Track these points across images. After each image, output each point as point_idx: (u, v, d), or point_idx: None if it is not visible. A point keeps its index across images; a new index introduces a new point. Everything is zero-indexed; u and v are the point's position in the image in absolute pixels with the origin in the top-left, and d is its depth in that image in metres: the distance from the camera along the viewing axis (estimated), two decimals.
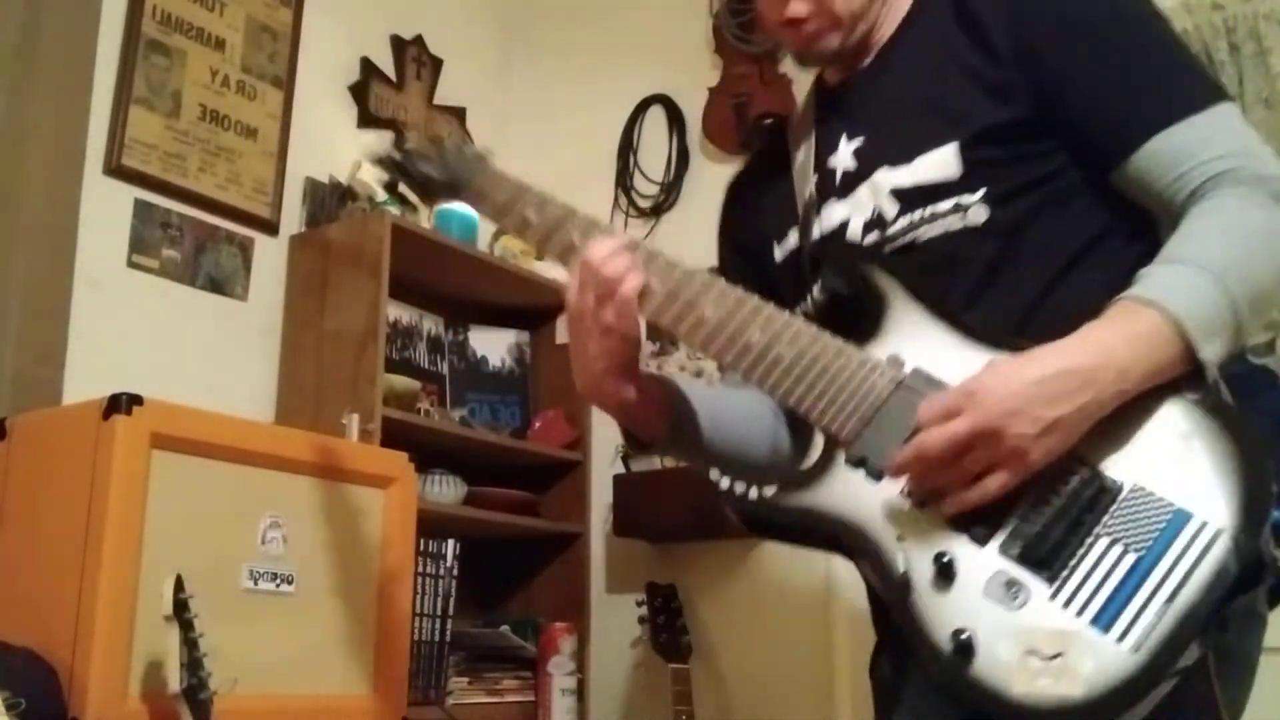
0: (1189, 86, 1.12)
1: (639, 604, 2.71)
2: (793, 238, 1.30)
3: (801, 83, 2.93)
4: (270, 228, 2.73)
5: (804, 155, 1.31)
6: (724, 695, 2.76)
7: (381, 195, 2.89)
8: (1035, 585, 0.99)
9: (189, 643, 1.62)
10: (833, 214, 1.24)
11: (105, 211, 2.42)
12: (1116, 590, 0.97)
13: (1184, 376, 1.02)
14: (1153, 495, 1.00)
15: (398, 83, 3.16)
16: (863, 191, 1.21)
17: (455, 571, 2.63)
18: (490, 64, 3.52)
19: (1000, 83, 1.14)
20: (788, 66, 2.96)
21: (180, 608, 1.63)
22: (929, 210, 1.16)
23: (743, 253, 1.39)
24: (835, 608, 2.56)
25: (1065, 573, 0.99)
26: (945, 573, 1.01)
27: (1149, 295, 1.02)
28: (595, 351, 1.15)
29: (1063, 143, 1.14)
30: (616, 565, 3.00)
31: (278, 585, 1.93)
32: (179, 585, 1.64)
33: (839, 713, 2.57)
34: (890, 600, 1.03)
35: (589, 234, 1.18)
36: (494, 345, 3.13)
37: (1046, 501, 1.01)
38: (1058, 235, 1.13)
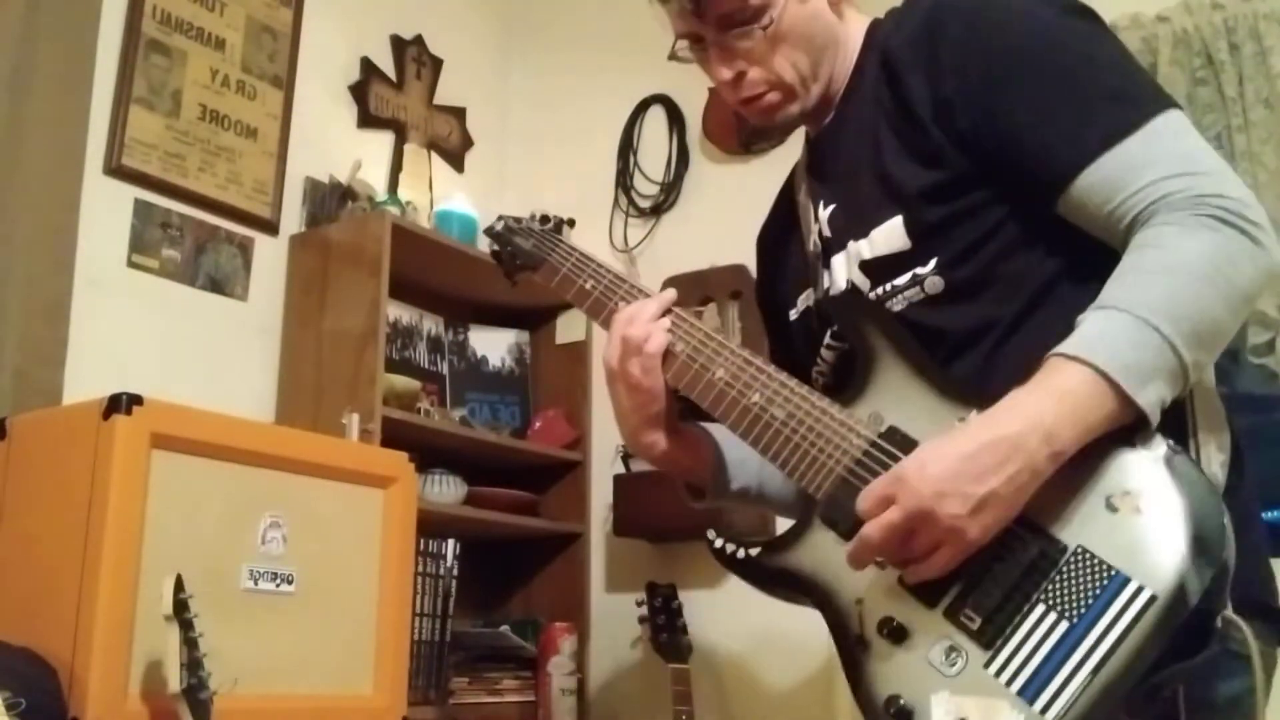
0: (1118, 107, 1.06)
1: (639, 604, 2.71)
2: (806, 295, 1.31)
3: None
4: (270, 228, 2.73)
5: (805, 211, 1.32)
6: (724, 695, 2.76)
7: (382, 195, 2.89)
8: (973, 652, 0.99)
9: (189, 643, 1.61)
10: (828, 282, 1.26)
11: (105, 211, 2.42)
12: (1046, 659, 0.96)
13: (1133, 425, 0.98)
14: (1094, 557, 0.97)
15: (398, 83, 3.17)
16: (838, 262, 1.23)
17: (455, 571, 2.63)
18: (490, 64, 3.52)
19: (926, 146, 1.13)
20: None
21: (180, 608, 1.62)
22: (890, 285, 1.17)
23: (770, 310, 1.43)
24: None
25: (1000, 640, 0.98)
26: (895, 636, 1.02)
27: (1074, 350, 0.98)
28: (628, 407, 1.23)
29: (999, 190, 1.12)
30: (616, 565, 3.00)
31: (278, 585, 1.93)
32: (179, 585, 1.64)
33: (839, 712, 2.57)
34: (846, 662, 1.05)
35: (633, 298, 1.26)
36: (494, 345, 3.13)
37: (990, 567, 1.00)
38: (1014, 287, 1.11)
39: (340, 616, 2.03)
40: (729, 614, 2.76)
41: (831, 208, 1.25)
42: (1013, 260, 1.12)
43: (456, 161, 3.30)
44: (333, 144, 2.93)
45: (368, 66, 3.09)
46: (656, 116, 3.22)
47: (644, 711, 2.85)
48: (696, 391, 1.19)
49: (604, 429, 3.00)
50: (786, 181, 1.42)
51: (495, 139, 3.45)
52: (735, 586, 3.04)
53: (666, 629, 2.62)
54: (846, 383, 1.15)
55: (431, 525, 2.56)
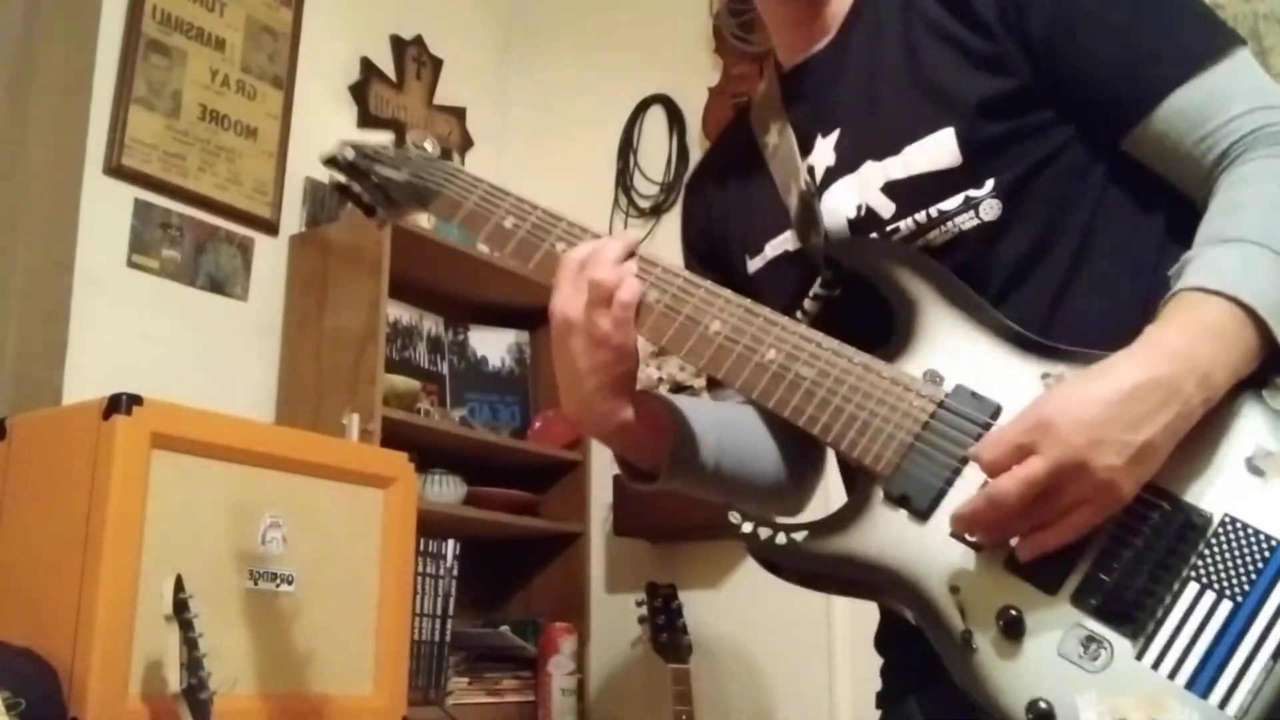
0: (1202, 34, 0.99)
1: (639, 604, 2.70)
2: (784, 239, 1.14)
3: None
4: (270, 228, 2.73)
5: (781, 147, 1.16)
6: (724, 695, 2.76)
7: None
8: (1118, 642, 0.85)
9: (189, 643, 1.61)
10: (825, 210, 1.10)
11: (105, 211, 2.42)
12: (1213, 646, 0.84)
13: (1258, 372, 0.88)
14: (1249, 527, 0.86)
15: (398, 83, 3.17)
16: (843, 187, 1.08)
17: (455, 571, 2.63)
18: (490, 64, 3.52)
19: (991, 54, 1.01)
20: None
21: (180, 608, 1.62)
22: (935, 209, 1.02)
23: (712, 263, 1.22)
24: (836, 607, 2.56)
25: (1152, 626, 0.85)
26: (1013, 629, 0.87)
27: (1212, 284, 0.88)
28: (586, 367, 1.01)
29: (1067, 110, 1.01)
30: (616, 565, 3.00)
31: (278, 585, 1.93)
32: (179, 585, 1.64)
33: (839, 712, 2.58)
34: (949, 660, 0.88)
35: (576, 241, 1.06)
36: (494, 345, 3.13)
37: (1124, 540, 0.87)
38: (1073, 218, 1.01)
39: (340, 616, 2.03)
40: (729, 614, 2.76)
41: (836, 133, 1.10)
42: (1072, 189, 1.01)
43: (457, 161, 3.31)
44: (333, 144, 2.92)
45: (368, 66, 3.09)
46: (656, 116, 3.22)
47: (644, 711, 2.85)
48: (687, 348, 1.01)
49: None
50: (735, 126, 1.28)
51: (495, 139, 3.45)
52: (735, 586, 3.04)
53: (666, 629, 2.62)
54: (862, 336, 1.00)
55: (431, 525, 2.56)
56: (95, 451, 1.76)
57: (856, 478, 0.97)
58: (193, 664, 1.61)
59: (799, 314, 1.08)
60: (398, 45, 3.19)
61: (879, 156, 1.05)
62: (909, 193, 1.03)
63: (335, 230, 2.73)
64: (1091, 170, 1.02)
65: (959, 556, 0.90)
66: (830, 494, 1.18)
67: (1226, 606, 0.84)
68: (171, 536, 1.78)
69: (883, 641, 1.16)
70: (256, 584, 1.90)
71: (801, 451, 1.20)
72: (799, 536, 0.96)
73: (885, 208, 1.05)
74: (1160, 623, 0.85)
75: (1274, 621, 0.83)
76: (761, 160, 1.18)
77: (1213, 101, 0.96)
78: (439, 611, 2.58)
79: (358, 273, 2.61)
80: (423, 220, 2.93)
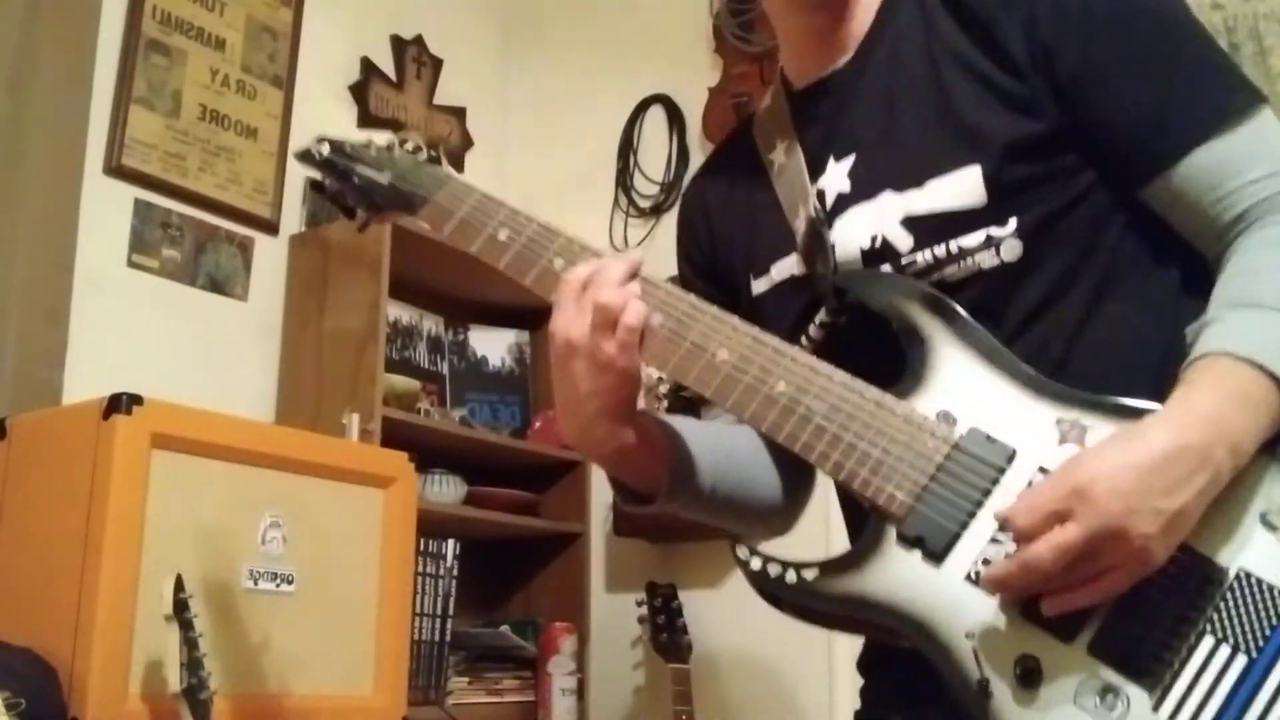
0: (1228, 91, 0.99)
1: (639, 604, 2.71)
2: (789, 264, 1.12)
3: None
4: (270, 228, 2.73)
5: (789, 167, 1.14)
6: (724, 695, 2.76)
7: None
8: (1135, 694, 0.85)
9: (189, 643, 1.61)
10: (840, 234, 1.08)
11: (105, 211, 2.42)
12: (1228, 700, 0.84)
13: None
14: (1263, 582, 0.86)
15: (398, 83, 3.17)
16: (858, 215, 1.06)
17: (455, 571, 2.63)
18: (490, 64, 3.52)
19: (1020, 95, 1.00)
20: None
21: (180, 608, 1.63)
22: (955, 245, 1.00)
23: (711, 278, 1.20)
24: None
25: (1168, 678, 0.85)
26: (1030, 679, 0.86)
27: (1239, 349, 0.89)
28: (588, 391, 0.98)
29: (1090, 157, 1.01)
30: (616, 565, 3.00)
31: (278, 585, 1.93)
32: (179, 585, 1.64)
33: (839, 712, 2.57)
34: (965, 706, 0.88)
35: (575, 258, 1.03)
36: (494, 345, 3.13)
37: (1142, 592, 0.86)
38: (1092, 262, 1.00)
39: (340, 616, 2.03)
40: (729, 614, 2.76)
41: (850, 159, 1.08)
42: (1092, 235, 1.00)
43: (456, 162, 3.30)
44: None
45: (368, 66, 3.09)
46: (656, 116, 3.22)
47: (644, 711, 2.85)
48: (693, 376, 0.99)
49: None
50: (738, 138, 1.25)
51: (495, 139, 3.45)
52: (735, 586, 3.04)
53: (666, 629, 2.62)
54: (867, 368, 0.98)
55: (431, 525, 2.56)
56: (95, 451, 1.76)
57: (868, 517, 0.95)
58: (193, 664, 1.61)
59: (803, 340, 1.07)
60: (398, 45, 3.19)
61: (899, 187, 1.03)
62: (930, 228, 1.02)
63: (335, 230, 2.73)
64: (1112, 218, 1.01)
65: (974, 601, 0.89)
66: (831, 524, 1.17)
67: (1241, 661, 0.85)
68: (171, 536, 1.78)
69: (866, 664, 1.16)
70: (256, 584, 1.90)
71: (796, 475, 1.18)
72: (809, 575, 0.94)
73: (902, 240, 1.03)
74: (1177, 675, 0.85)
75: None
76: (766, 177, 1.15)
77: (1233, 162, 0.96)
78: (439, 611, 2.58)
79: (358, 273, 2.61)
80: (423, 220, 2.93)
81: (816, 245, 1.08)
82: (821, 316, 1.07)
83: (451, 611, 2.60)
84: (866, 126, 1.08)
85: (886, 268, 1.03)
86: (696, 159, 3.12)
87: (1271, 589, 0.86)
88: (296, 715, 1.91)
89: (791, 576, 0.94)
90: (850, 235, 1.06)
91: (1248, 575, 0.86)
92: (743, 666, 2.77)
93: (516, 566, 3.03)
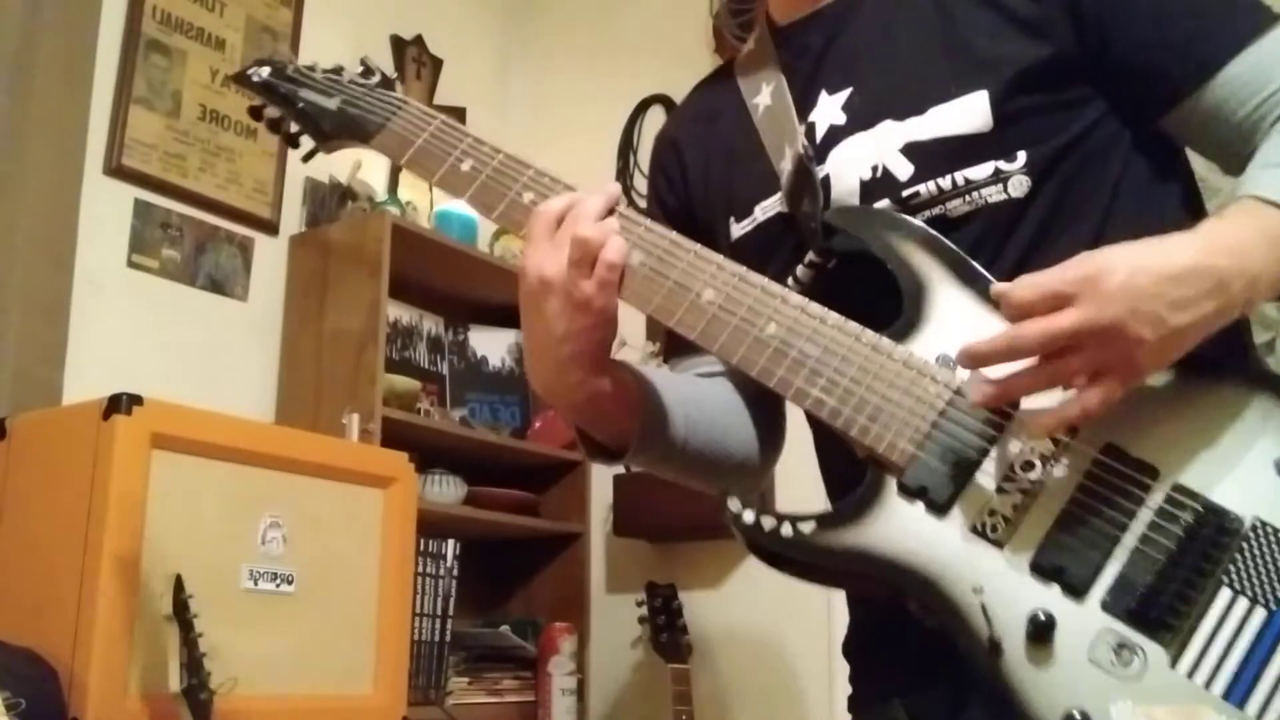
0: (1248, 9, 0.96)
1: (639, 604, 2.71)
2: (773, 203, 1.07)
3: None
4: (270, 228, 2.73)
5: (771, 103, 1.09)
6: (724, 695, 2.76)
7: (382, 195, 2.89)
8: (1151, 649, 0.82)
9: (189, 643, 1.62)
10: (821, 176, 1.03)
11: (105, 211, 2.42)
12: (1248, 655, 0.81)
13: None
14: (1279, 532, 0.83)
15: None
16: (855, 145, 1.01)
17: (455, 571, 2.63)
18: (490, 64, 3.52)
19: (1034, 18, 0.96)
20: None
21: (180, 608, 1.63)
22: (961, 176, 0.96)
23: (684, 223, 1.10)
24: (836, 606, 2.56)
25: (1186, 633, 0.82)
26: (1042, 635, 0.82)
27: (1274, 195, 0.86)
28: (563, 332, 0.92)
29: (1105, 85, 0.97)
30: (616, 565, 3.00)
31: (278, 585, 1.93)
32: (179, 585, 1.64)
33: (839, 712, 2.57)
34: (975, 667, 0.84)
35: (546, 191, 0.97)
36: (494, 345, 3.13)
37: (1155, 543, 0.84)
38: (1096, 195, 0.97)
39: (340, 616, 2.03)
40: (729, 614, 2.76)
41: (847, 91, 1.03)
42: (1098, 168, 0.98)
43: None
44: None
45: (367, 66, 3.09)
46: (656, 116, 3.22)
47: (644, 711, 2.85)
48: (677, 318, 0.93)
49: None
50: (716, 82, 1.21)
51: (495, 139, 3.43)
52: (735, 586, 3.04)
53: (666, 629, 2.62)
54: (857, 311, 0.93)
55: (431, 525, 2.56)
56: (95, 451, 1.76)
57: (858, 467, 0.91)
58: (193, 664, 1.61)
59: (789, 283, 1.00)
60: (398, 45, 3.18)
61: (900, 116, 0.99)
62: (932, 155, 0.97)
63: (335, 230, 2.73)
64: (1117, 146, 0.98)
65: (981, 555, 0.85)
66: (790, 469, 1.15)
67: (1260, 614, 0.82)
68: (171, 536, 1.78)
69: (858, 647, 1.13)
70: (256, 584, 1.90)
71: (770, 431, 1.15)
72: (806, 529, 0.88)
73: (903, 169, 0.98)
74: (1194, 629, 0.82)
75: None
76: (748, 120, 1.10)
77: (1267, 69, 0.93)
78: (439, 611, 2.58)
79: (358, 273, 2.61)
80: (423, 219, 2.93)
81: (804, 184, 1.02)
82: (810, 258, 1.02)
83: (451, 611, 2.60)
84: (863, 58, 1.04)
85: (886, 202, 0.99)
86: None
87: None
88: (296, 715, 1.91)
89: (787, 530, 0.88)
90: (847, 167, 1.01)
91: (1264, 524, 0.83)
92: (743, 667, 2.77)
93: (516, 566, 3.03)
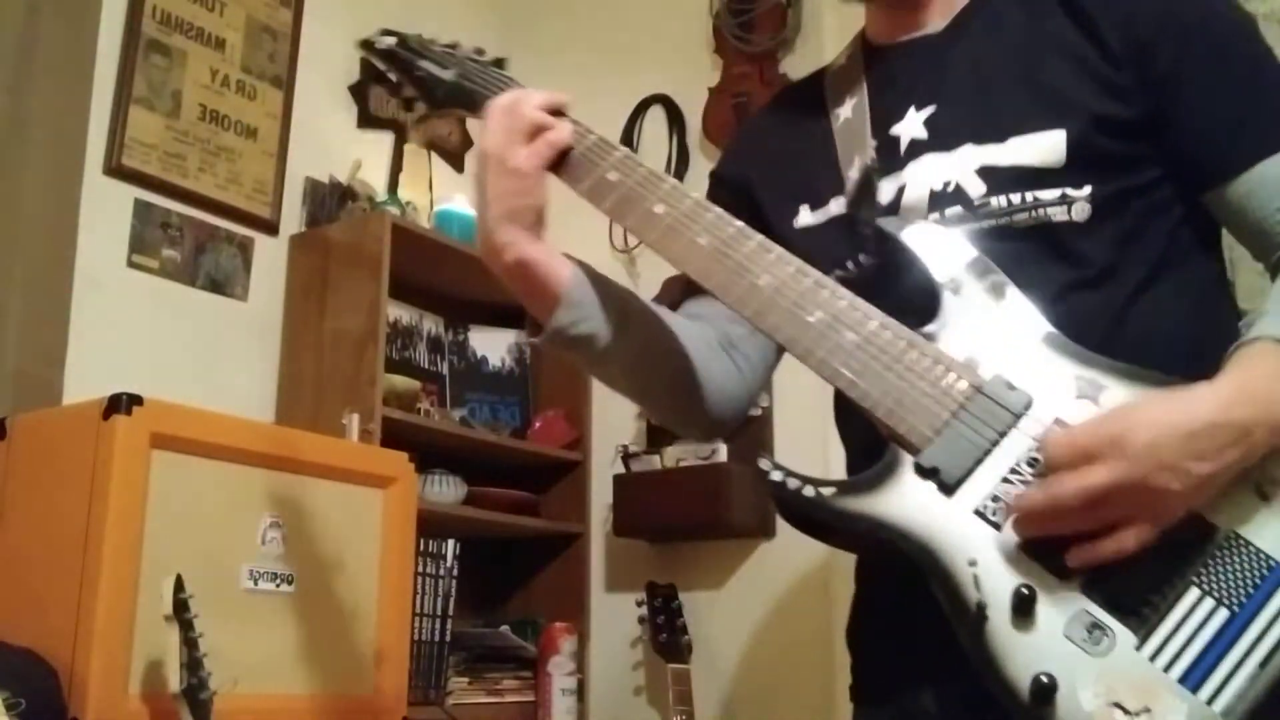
0: None
1: (639, 604, 2.71)
2: (834, 205, 1.18)
3: None
4: (270, 228, 2.73)
5: (853, 116, 1.20)
6: (724, 695, 2.76)
7: (382, 195, 2.89)
8: (1121, 632, 0.91)
9: (189, 643, 1.62)
10: (897, 184, 1.14)
11: (105, 211, 2.42)
12: (1207, 648, 0.90)
13: None
14: (1250, 545, 0.92)
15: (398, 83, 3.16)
16: (934, 162, 1.11)
17: (455, 571, 2.63)
18: None
19: (1114, 80, 1.07)
20: (788, 66, 2.96)
21: (180, 608, 1.63)
22: (1031, 196, 1.06)
23: (740, 194, 1.25)
24: (836, 607, 2.56)
25: (1154, 622, 0.91)
26: (1025, 607, 0.91)
27: None
28: (494, 193, 1.06)
29: (1162, 154, 1.08)
30: (616, 565, 3.00)
31: (278, 585, 1.93)
32: (179, 585, 1.64)
33: (839, 713, 2.57)
34: (960, 628, 0.93)
35: (674, 202, 1.08)
36: (494, 345, 3.13)
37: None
38: (1149, 247, 1.07)
39: (340, 617, 2.03)
40: (729, 614, 2.76)
41: (931, 109, 1.14)
42: (1153, 223, 1.07)
43: (456, 161, 3.30)
44: (333, 144, 2.93)
45: (367, 67, 3.09)
46: (656, 116, 3.22)
47: (644, 711, 2.85)
48: (734, 296, 1.05)
49: (604, 429, 3.00)
50: (805, 89, 1.32)
51: None
52: (735, 587, 3.03)
53: (666, 629, 2.62)
54: (898, 316, 1.03)
55: (431, 525, 2.56)
56: (95, 451, 1.76)
57: (888, 446, 1.00)
58: (193, 664, 1.61)
59: (836, 273, 1.11)
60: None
61: (980, 141, 1.09)
62: (1005, 179, 1.07)
63: (335, 230, 2.73)
64: (1171, 211, 1.08)
65: (979, 532, 0.95)
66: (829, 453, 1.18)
67: (1223, 614, 0.91)
68: (171, 536, 1.78)
69: (866, 635, 1.19)
70: (256, 584, 1.90)
71: (735, 383, 1.23)
72: (827, 492, 0.99)
73: (975, 187, 1.08)
74: (1162, 619, 0.91)
75: (1265, 633, 0.90)
76: (828, 128, 1.22)
77: None
78: (439, 611, 2.58)
79: (358, 273, 2.61)
80: (423, 219, 2.94)
81: (866, 193, 1.14)
82: (861, 257, 1.12)
83: (451, 611, 2.60)
84: (952, 83, 1.14)
85: (958, 208, 1.09)
86: (697, 159, 3.12)
87: (1258, 552, 0.92)
88: (296, 715, 1.91)
89: (810, 491, 0.99)
90: (921, 178, 1.11)
91: (1237, 536, 0.92)
92: (743, 666, 2.77)
93: (516, 566, 3.03)
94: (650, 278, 2.71)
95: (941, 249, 1.06)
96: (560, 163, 1.10)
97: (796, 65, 2.95)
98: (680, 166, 3.15)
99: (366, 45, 1.25)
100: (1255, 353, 0.95)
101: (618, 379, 1.19)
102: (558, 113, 1.12)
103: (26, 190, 2.25)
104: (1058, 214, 1.05)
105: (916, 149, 1.13)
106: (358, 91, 3.05)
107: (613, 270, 1.65)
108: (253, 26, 2.77)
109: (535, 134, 1.07)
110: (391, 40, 1.23)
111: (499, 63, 1.23)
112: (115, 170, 2.45)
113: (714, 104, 3.05)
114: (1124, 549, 0.91)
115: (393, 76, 1.24)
